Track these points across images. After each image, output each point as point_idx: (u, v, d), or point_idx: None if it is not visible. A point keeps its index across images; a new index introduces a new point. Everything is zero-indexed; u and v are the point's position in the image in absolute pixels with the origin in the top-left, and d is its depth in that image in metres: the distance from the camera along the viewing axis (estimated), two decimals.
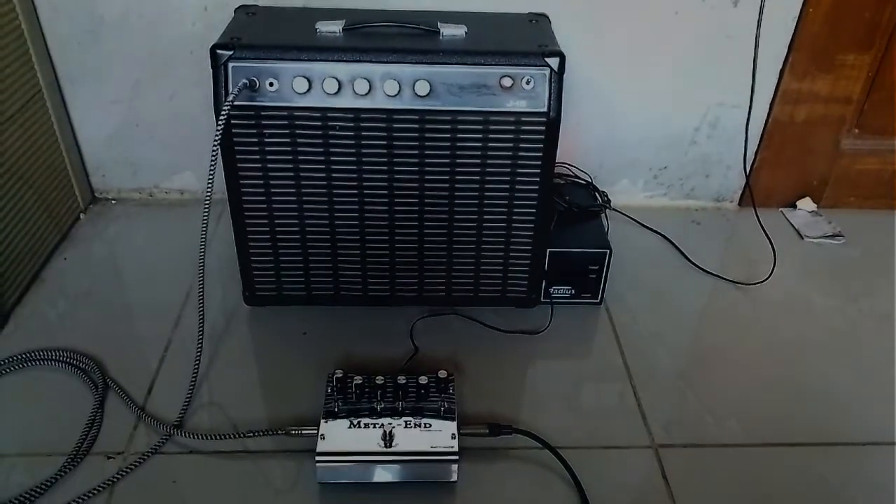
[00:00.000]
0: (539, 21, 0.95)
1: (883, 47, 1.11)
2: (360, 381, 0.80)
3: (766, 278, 1.08)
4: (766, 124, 1.19)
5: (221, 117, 0.80)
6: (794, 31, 1.10)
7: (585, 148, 1.19)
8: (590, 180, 1.13)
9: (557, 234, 0.98)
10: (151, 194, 1.23)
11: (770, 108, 1.17)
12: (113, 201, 1.23)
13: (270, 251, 0.93)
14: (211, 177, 0.81)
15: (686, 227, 1.22)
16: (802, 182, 1.26)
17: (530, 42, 0.88)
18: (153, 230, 1.17)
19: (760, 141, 1.20)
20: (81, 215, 1.18)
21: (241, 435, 0.81)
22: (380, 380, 0.82)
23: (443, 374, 0.83)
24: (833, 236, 1.21)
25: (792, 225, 1.23)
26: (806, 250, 1.18)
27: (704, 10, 1.08)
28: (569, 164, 1.15)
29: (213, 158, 0.80)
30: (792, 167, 1.23)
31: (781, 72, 1.14)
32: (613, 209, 1.15)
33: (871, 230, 1.22)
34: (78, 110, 1.15)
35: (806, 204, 1.27)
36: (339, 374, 0.82)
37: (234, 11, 0.93)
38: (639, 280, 1.08)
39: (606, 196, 1.09)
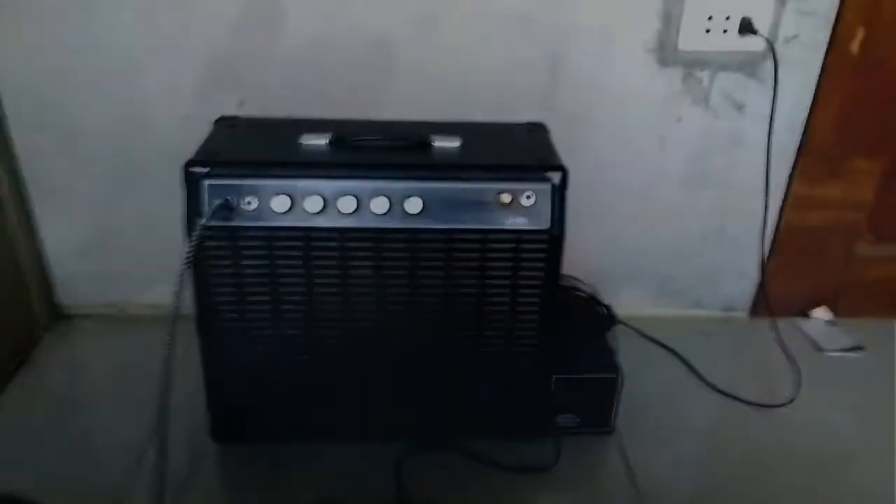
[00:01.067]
0: (537, 131, 0.90)
1: (893, 152, 1.07)
2: None
3: (790, 401, 0.99)
4: (776, 231, 1.13)
5: (192, 239, 0.73)
6: (803, 135, 1.06)
7: (586, 257, 1.11)
8: (592, 293, 1.06)
9: (561, 356, 0.89)
10: (122, 309, 1.15)
11: (780, 214, 1.12)
12: (80, 318, 1.14)
13: (243, 382, 0.84)
14: (178, 300, 0.73)
15: (695, 340, 1.14)
16: (816, 290, 1.19)
17: (529, 154, 0.82)
18: (121, 350, 1.07)
19: (771, 248, 1.14)
20: (44, 334, 1.09)
21: None
22: None
23: None
24: (853, 349, 1.13)
25: (808, 336, 1.15)
26: (826, 365, 1.10)
27: (708, 117, 1.04)
28: (569, 276, 1.08)
29: (182, 279, 0.72)
30: (805, 275, 1.17)
31: (790, 177, 1.09)
32: (618, 322, 1.07)
33: (892, 340, 1.15)
34: (45, 221, 1.07)
35: (821, 313, 1.20)
36: None
37: (214, 123, 0.88)
38: (650, 403, 0.99)
39: (611, 310, 1.01)
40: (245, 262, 0.77)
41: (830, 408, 1.00)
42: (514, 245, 0.78)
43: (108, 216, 1.07)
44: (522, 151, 0.84)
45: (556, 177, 0.77)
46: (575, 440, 0.91)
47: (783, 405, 0.99)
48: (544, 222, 0.77)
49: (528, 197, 0.77)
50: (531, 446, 0.90)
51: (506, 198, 0.77)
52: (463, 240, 0.77)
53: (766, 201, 1.07)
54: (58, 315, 1.14)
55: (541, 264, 0.79)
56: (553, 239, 0.78)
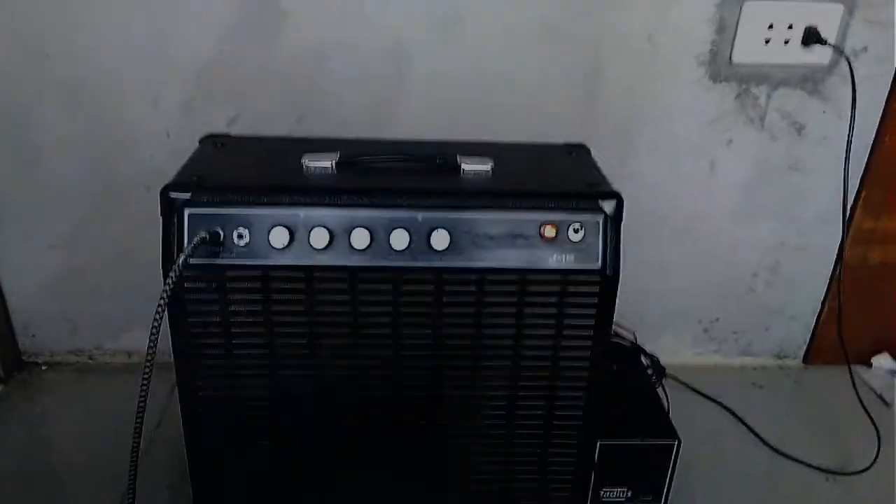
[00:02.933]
0: (579, 153, 0.77)
1: None
2: None
3: (870, 466, 0.85)
4: (835, 268, 1.00)
5: (170, 280, 0.59)
6: (867, 162, 0.94)
7: (621, 297, 0.99)
8: (633, 339, 0.93)
9: (606, 416, 0.75)
10: (91, 357, 1.01)
11: (840, 250, 0.99)
12: (43, 367, 1.00)
13: (231, 453, 0.70)
14: (151, 354, 0.59)
15: (747, 392, 1.01)
16: (880, 336, 1.06)
17: (574, 180, 0.70)
18: (90, 405, 0.94)
19: (828, 287, 1.02)
20: (2, 387, 0.95)
21: None
22: None
23: None
24: None
25: (872, 389, 1.02)
26: None
27: (763, 139, 0.92)
28: None
29: (155, 329, 0.59)
30: (866, 318, 1.04)
31: (853, 208, 0.96)
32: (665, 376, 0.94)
33: None
34: (6, 256, 0.94)
35: (884, 361, 1.07)
36: None
37: (199, 141, 0.75)
38: (704, 470, 0.85)
39: (658, 362, 0.88)
40: (234, 309, 0.64)
41: None
42: (559, 287, 0.65)
43: (77, 250, 0.94)
44: (566, 176, 0.72)
45: (609, 206, 0.65)
46: None
47: (862, 471, 0.85)
48: (595, 260, 0.65)
49: (576, 230, 0.64)
50: None
51: (549, 231, 0.64)
52: (498, 280, 0.64)
53: (825, 235, 0.95)
54: (19, 363, 1.01)
55: (591, 311, 0.66)
56: (606, 280, 0.65)
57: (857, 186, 0.96)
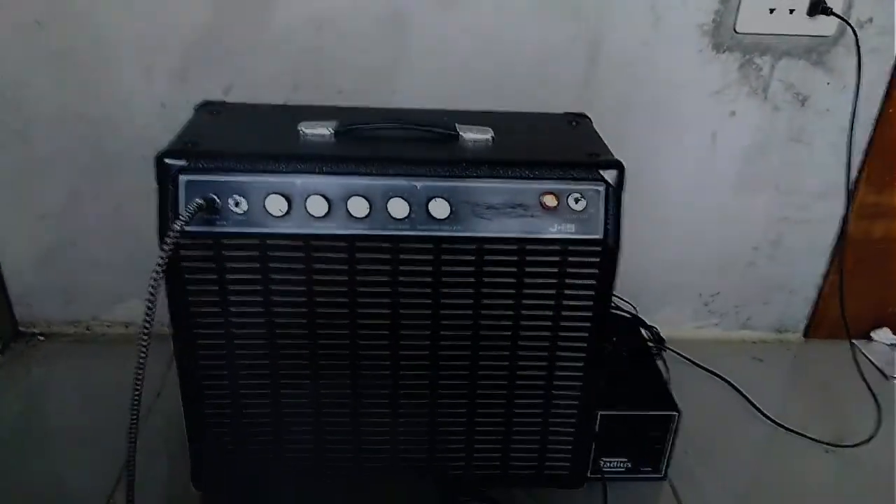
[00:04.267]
0: (580, 123, 0.76)
1: None
2: None
3: (869, 439, 0.85)
4: (837, 242, 0.99)
5: (166, 247, 0.58)
6: (871, 134, 0.93)
7: (623, 270, 0.98)
8: (634, 312, 0.92)
9: (606, 387, 0.75)
10: (88, 328, 1.01)
11: (843, 224, 0.98)
12: (40, 337, 1.00)
13: (230, 422, 0.70)
14: (148, 321, 0.58)
15: (747, 366, 1.01)
16: (880, 310, 1.06)
17: (576, 149, 0.69)
18: (87, 375, 0.94)
19: (830, 262, 1.01)
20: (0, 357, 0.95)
21: None
22: None
23: None
24: None
25: (872, 362, 1.02)
26: None
27: (766, 110, 0.91)
28: None
29: (152, 297, 0.58)
30: (868, 292, 1.03)
31: (856, 182, 0.96)
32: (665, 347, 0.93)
33: None
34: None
35: (884, 335, 1.06)
36: None
37: (195, 109, 0.74)
38: (704, 442, 0.85)
39: (659, 334, 0.88)
40: (231, 277, 0.63)
41: None
42: (559, 257, 0.64)
43: (72, 221, 0.94)
44: (567, 146, 0.71)
45: (611, 175, 0.64)
46: (622, 486, 0.78)
47: (861, 444, 0.85)
48: (597, 230, 0.64)
49: (577, 199, 0.63)
50: (573, 495, 0.76)
51: (550, 200, 0.63)
52: (498, 251, 0.64)
53: (827, 208, 0.95)
54: (15, 334, 1.00)
55: (591, 281, 0.65)
56: (607, 250, 0.64)
57: (861, 159, 0.95)
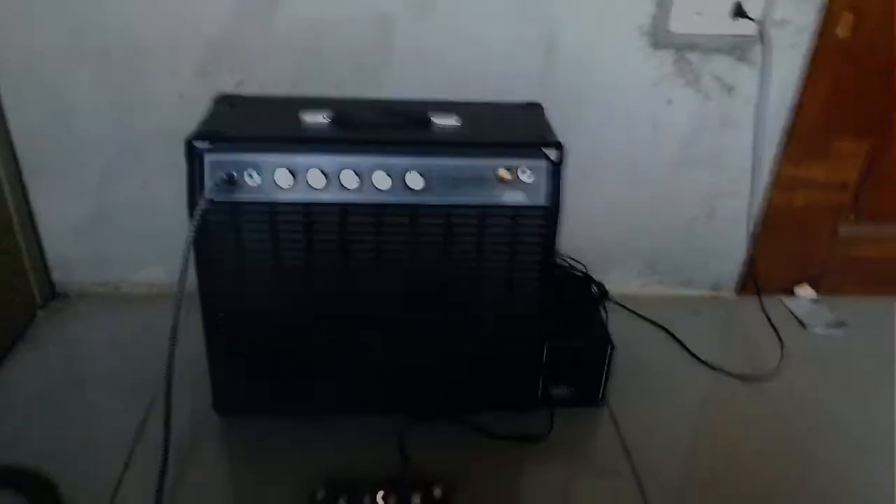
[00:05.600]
0: (533, 110, 0.91)
1: (880, 134, 1.10)
2: None
3: (773, 373, 1.02)
4: (763, 211, 1.15)
5: (198, 212, 0.74)
6: (792, 118, 1.08)
7: (579, 237, 1.14)
8: (584, 271, 1.08)
9: (555, 329, 0.91)
10: (117, 288, 1.15)
11: (767, 195, 1.14)
12: (76, 297, 1.14)
13: (245, 356, 0.85)
14: (182, 276, 0.74)
15: (685, 318, 1.16)
16: (801, 269, 1.22)
17: (527, 132, 0.84)
18: (117, 329, 1.08)
19: (758, 228, 1.17)
20: (39, 312, 1.09)
21: None
22: (367, 501, 0.73)
23: (437, 492, 0.75)
24: (836, 325, 1.16)
25: (793, 314, 1.18)
26: (810, 341, 1.13)
27: (698, 99, 1.06)
28: (562, 255, 1.10)
29: (186, 257, 0.73)
30: (790, 254, 1.20)
31: (778, 159, 1.11)
32: (609, 300, 1.09)
33: (873, 318, 1.18)
34: (41, 202, 1.07)
35: (805, 291, 1.23)
36: (321, 494, 0.73)
37: (213, 101, 0.88)
38: (641, 377, 1.01)
39: (603, 287, 1.04)
40: (247, 236, 0.78)
41: (813, 381, 1.03)
42: (512, 220, 0.79)
43: (104, 196, 1.07)
44: (520, 129, 0.86)
45: (553, 153, 0.79)
46: (568, 412, 0.93)
47: (766, 377, 1.02)
48: (542, 198, 0.79)
49: (526, 173, 0.79)
50: (529, 419, 0.91)
51: (505, 174, 0.78)
52: (463, 214, 0.79)
53: (753, 182, 1.10)
54: (54, 294, 1.14)
55: (538, 238, 0.81)
56: (550, 214, 0.80)
57: (781, 139, 1.10)
